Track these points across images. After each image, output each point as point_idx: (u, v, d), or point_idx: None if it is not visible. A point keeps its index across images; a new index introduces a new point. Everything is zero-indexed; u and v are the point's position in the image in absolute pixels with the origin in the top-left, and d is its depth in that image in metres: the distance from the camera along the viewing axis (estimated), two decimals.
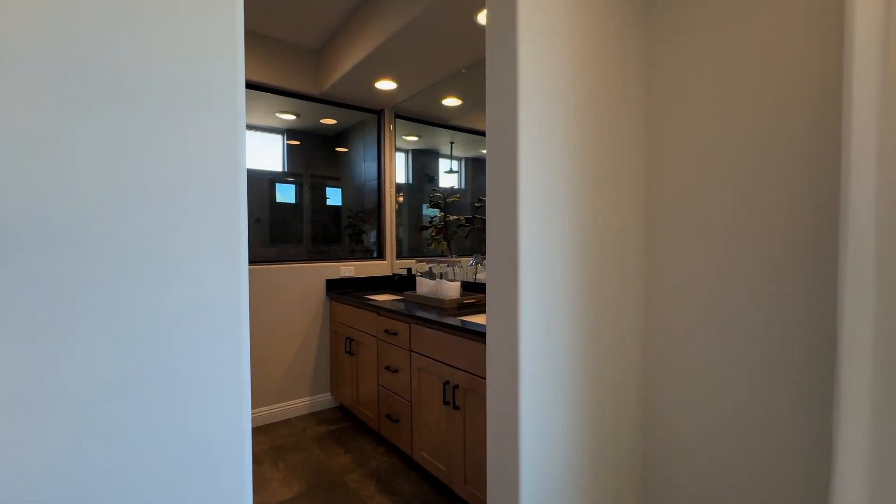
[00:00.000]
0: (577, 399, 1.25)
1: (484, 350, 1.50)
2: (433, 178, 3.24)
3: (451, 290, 2.11)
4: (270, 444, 2.27)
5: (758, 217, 1.13)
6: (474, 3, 1.74)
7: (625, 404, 1.38)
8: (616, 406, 1.36)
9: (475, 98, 2.56)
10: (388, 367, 2.08)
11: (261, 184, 3.58)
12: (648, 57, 1.38)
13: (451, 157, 3.13)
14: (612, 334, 1.33)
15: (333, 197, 3.91)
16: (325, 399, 2.74)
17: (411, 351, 1.91)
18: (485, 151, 2.86)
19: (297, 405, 2.63)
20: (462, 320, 1.71)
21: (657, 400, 1.39)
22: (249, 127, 3.44)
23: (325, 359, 2.75)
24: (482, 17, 1.83)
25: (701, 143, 1.25)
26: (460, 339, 1.61)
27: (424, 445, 1.85)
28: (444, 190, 2.79)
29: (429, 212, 3.05)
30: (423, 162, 3.23)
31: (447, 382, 1.67)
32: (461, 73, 2.42)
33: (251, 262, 2.50)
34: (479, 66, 2.31)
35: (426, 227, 2.46)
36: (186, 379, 0.66)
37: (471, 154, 2.94)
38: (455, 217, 2.39)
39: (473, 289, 2.30)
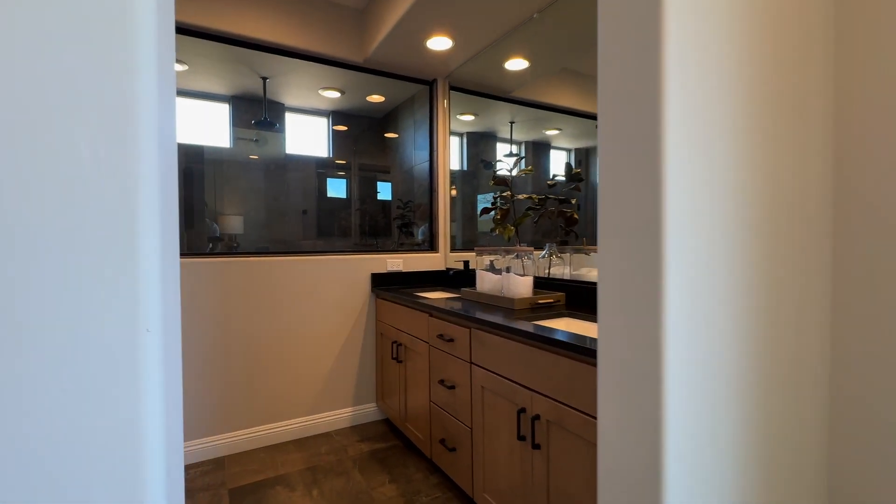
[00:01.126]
0: (753, 461, 0.78)
1: (579, 369, 1.06)
2: (490, 164, 2.82)
3: (522, 286, 1.67)
4: (305, 463, 1.94)
5: None
6: None
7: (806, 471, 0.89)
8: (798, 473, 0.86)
9: (547, 56, 2.10)
10: (442, 382, 1.68)
11: (307, 170, 3.32)
12: None
13: (510, 142, 2.69)
14: (791, 353, 0.84)
15: (384, 191, 3.60)
16: (369, 411, 2.39)
17: (472, 363, 1.50)
18: (549, 132, 2.36)
19: (338, 417, 2.30)
20: (540, 325, 1.27)
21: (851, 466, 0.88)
22: (292, 109, 3.19)
23: (370, 365, 2.41)
24: None
25: None
26: (542, 353, 1.18)
27: (489, 487, 1.43)
28: (506, 177, 2.35)
29: (483, 197, 2.64)
30: (479, 146, 2.82)
31: (522, 410, 1.24)
32: (532, 21, 1.97)
33: (291, 253, 2.20)
34: (554, 7, 1.85)
35: (488, 210, 2.04)
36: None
37: (532, 137, 2.48)
38: (526, 195, 1.95)
39: (546, 286, 1.85)
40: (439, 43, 2.17)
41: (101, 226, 0.32)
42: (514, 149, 2.66)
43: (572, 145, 2.11)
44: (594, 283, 1.66)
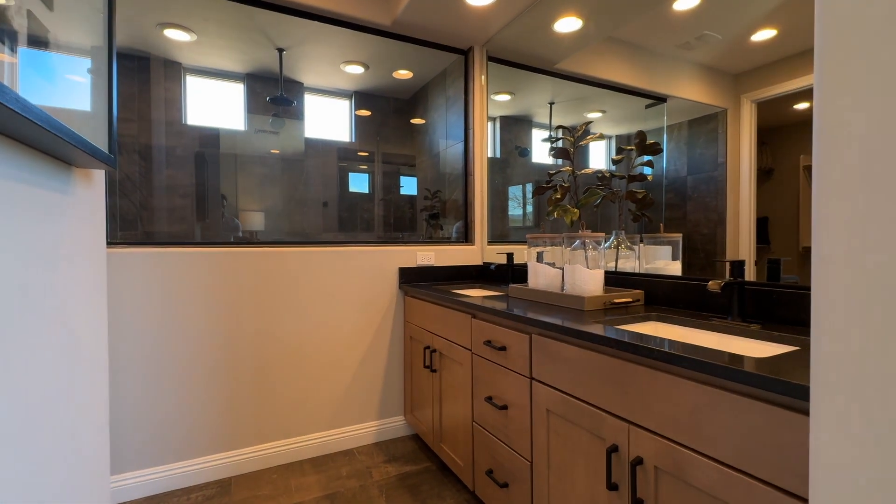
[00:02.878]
0: None
1: (720, 401, 0.72)
2: (526, 151, 2.49)
3: (592, 282, 1.33)
4: (323, 489, 1.65)
5: None
6: None
7: None
8: None
9: (607, 10, 1.75)
10: (490, 399, 1.36)
11: (327, 157, 3.05)
12: None
13: (549, 127, 2.36)
14: None
15: (409, 186, 3.31)
16: (396, 425, 2.09)
17: (532, 379, 1.18)
18: (590, 115, 2.00)
19: (361, 432, 2.01)
20: (632, 332, 0.94)
21: None
22: (311, 89, 2.91)
23: (398, 372, 2.10)
24: None
25: None
26: (647, 373, 0.84)
27: None
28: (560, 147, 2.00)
29: (513, 190, 2.30)
30: (513, 132, 2.50)
31: (613, 449, 0.91)
32: None
33: (308, 243, 1.91)
34: None
35: (544, 189, 1.70)
36: None
37: (571, 121, 2.14)
38: (592, 169, 1.61)
39: (616, 282, 1.51)
40: None
41: None
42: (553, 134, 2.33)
43: (614, 131, 1.79)
44: (679, 278, 1.31)
